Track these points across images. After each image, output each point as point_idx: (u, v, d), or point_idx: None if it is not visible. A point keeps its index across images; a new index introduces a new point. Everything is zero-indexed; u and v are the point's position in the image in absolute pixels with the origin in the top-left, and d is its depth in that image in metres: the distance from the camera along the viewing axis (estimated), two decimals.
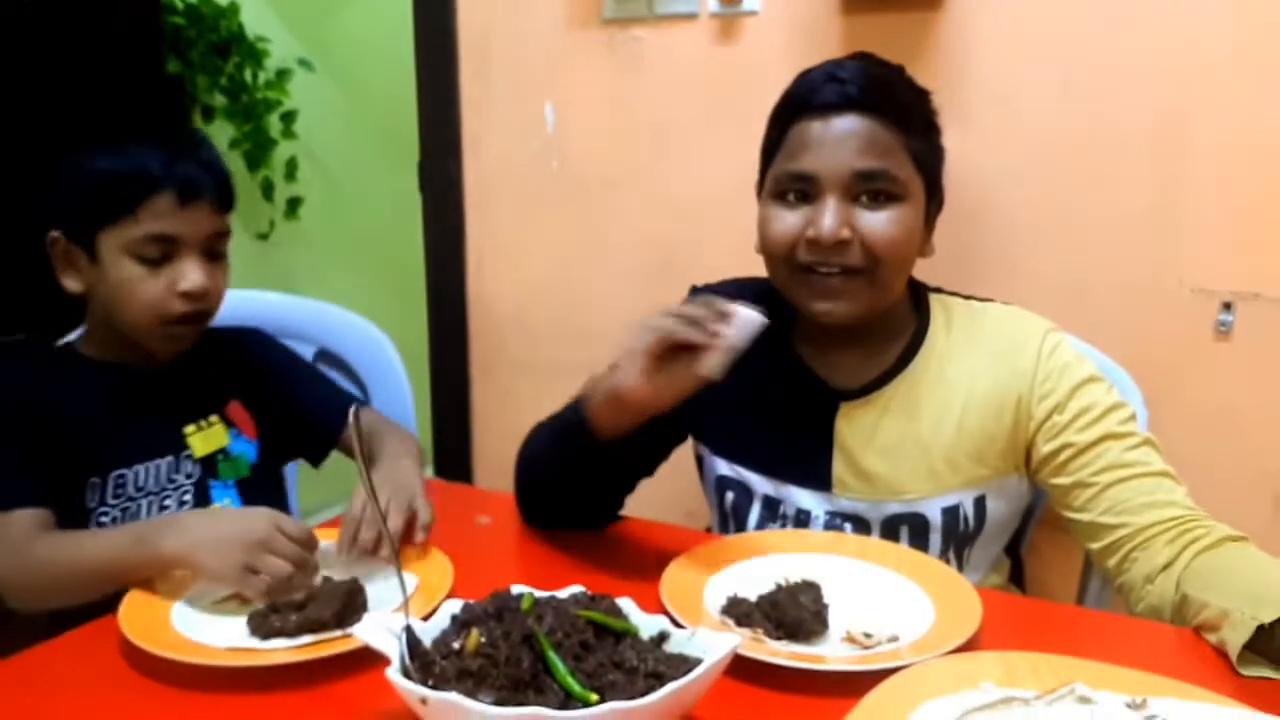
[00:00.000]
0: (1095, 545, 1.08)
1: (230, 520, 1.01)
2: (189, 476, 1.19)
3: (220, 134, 2.86)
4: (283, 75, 2.99)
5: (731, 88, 1.62)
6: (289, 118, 3.01)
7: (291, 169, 3.06)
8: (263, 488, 1.25)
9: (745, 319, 0.91)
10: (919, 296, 1.19)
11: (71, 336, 1.25)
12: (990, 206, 1.48)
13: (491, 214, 1.91)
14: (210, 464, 1.21)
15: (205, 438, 1.21)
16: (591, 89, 1.75)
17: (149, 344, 1.15)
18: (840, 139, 1.07)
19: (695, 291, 1.28)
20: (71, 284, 1.15)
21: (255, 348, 1.33)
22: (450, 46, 1.86)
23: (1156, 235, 1.39)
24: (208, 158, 1.16)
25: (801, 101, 1.10)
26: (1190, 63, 1.34)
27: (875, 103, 1.07)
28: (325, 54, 3.11)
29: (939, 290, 1.22)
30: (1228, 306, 1.36)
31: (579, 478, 1.10)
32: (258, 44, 2.91)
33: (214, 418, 1.23)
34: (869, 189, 1.07)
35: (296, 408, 1.30)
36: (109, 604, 0.95)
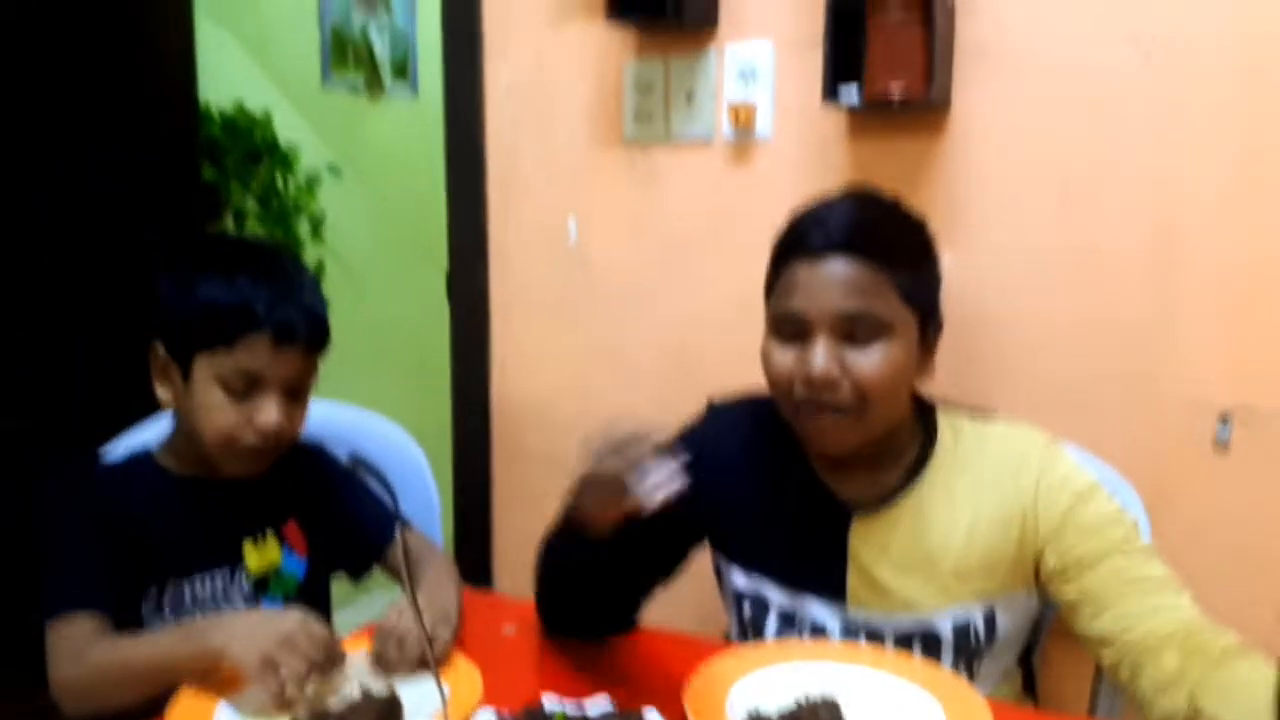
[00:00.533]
0: (1105, 655, 1.10)
1: (266, 617, 1.08)
2: (242, 593, 1.24)
3: None
4: (312, 181, 3.11)
5: (744, 207, 1.70)
6: (317, 222, 3.13)
7: (319, 272, 3.16)
8: (310, 604, 1.27)
9: (654, 483, 0.94)
10: (926, 414, 1.23)
11: (152, 443, 1.29)
12: (990, 319, 1.54)
13: (516, 320, 1.99)
14: (262, 580, 1.26)
15: (260, 554, 1.26)
16: (613, 204, 1.84)
17: (221, 464, 1.20)
18: (826, 282, 1.12)
19: (711, 408, 1.34)
20: (163, 394, 1.20)
21: (316, 465, 1.36)
22: (479, 162, 1.97)
23: (1154, 349, 1.45)
24: (309, 301, 1.20)
25: (792, 243, 1.17)
26: (1183, 182, 1.41)
27: (861, 245, 1.12)
28: (353, 161, 3.24)
29: (948, 403, 1.26)
30: (1225, 419, 1.41)
31: (589, 577, 1.15)
32: (289, 151, 3.04)
33: (270, 534, 1.28)
34: (855, 328, 1.12)
35: (345, 524, 1.34)
36: (156, 708, 0.99)
